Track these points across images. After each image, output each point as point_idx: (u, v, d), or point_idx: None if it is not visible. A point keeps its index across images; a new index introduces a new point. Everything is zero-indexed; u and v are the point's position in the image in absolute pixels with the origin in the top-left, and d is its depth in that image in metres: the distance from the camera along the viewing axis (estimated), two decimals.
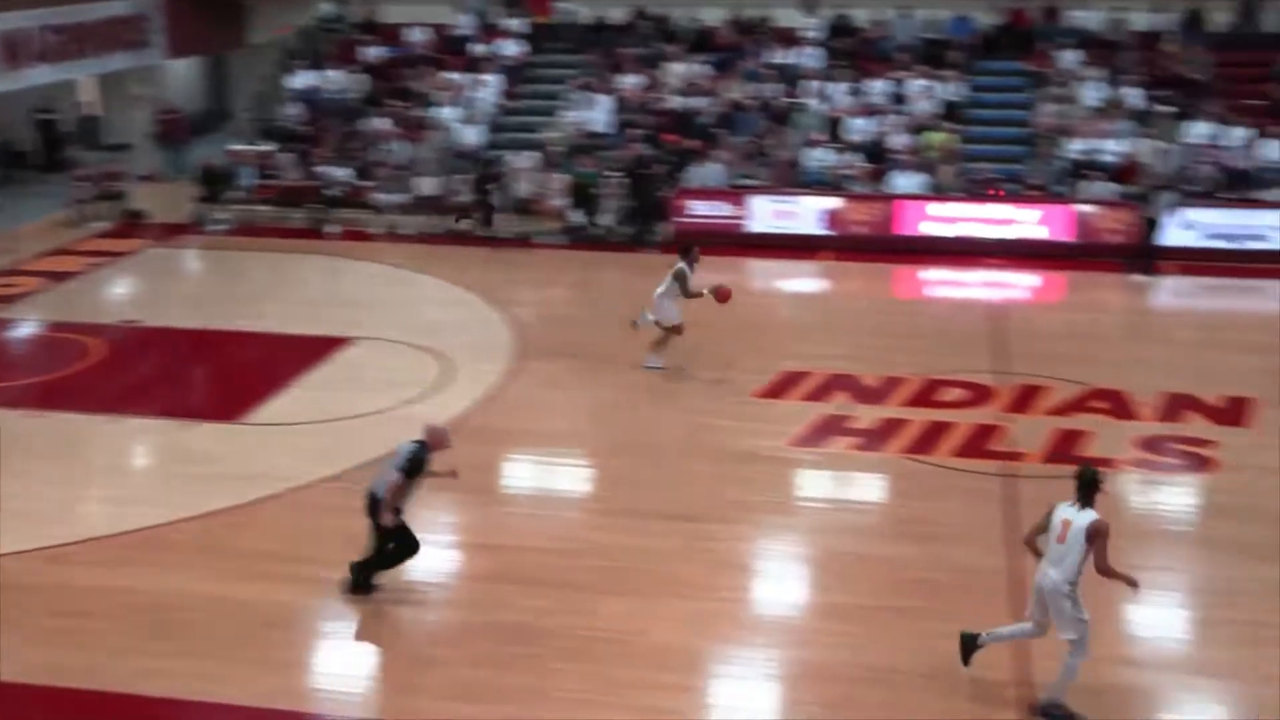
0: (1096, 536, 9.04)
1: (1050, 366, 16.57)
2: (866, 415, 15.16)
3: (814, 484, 13.72)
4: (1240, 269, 21.22)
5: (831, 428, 14.83)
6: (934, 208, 22.85)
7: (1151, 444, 14.34)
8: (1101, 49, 26.04)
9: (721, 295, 16.26)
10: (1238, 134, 23.25)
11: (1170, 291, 21.09)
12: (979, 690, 9.67)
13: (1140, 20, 26.59)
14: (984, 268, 21.79)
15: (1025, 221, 22.57)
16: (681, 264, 16.33)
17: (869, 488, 13.66)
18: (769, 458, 13.92)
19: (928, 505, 12.88)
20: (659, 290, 16.35)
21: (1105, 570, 9.12)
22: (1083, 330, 18.67)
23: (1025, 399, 15.61)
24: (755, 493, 13.10)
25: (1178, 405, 15.41)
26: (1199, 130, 23.41)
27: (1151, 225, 21.34)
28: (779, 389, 16.03)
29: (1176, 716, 9.66)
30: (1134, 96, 24.59)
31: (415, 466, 10.60)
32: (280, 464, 13.74)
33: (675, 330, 16.45)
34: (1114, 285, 20.99)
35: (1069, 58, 25.84)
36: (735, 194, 23.29)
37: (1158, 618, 10.94)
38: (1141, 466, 13.83)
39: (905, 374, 16.41)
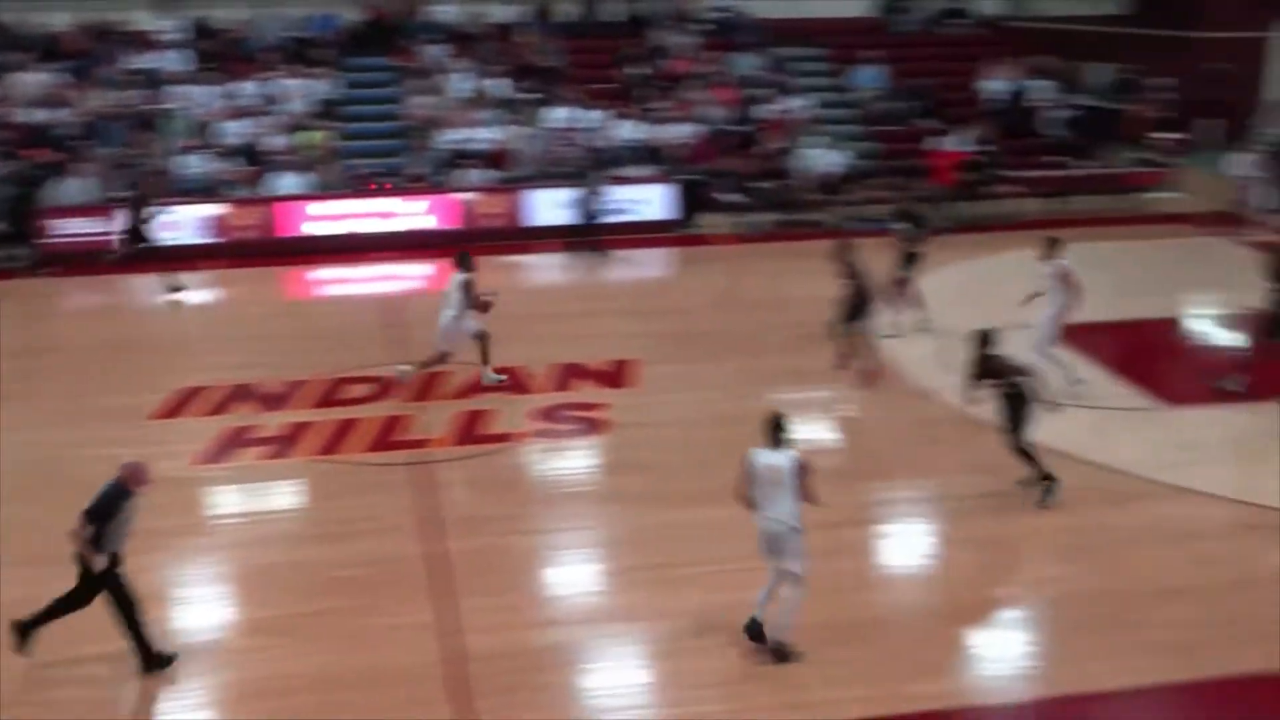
0: (804, 470, 9.68)
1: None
2: (272, 422, 14.84)
3: (226, 499, 13.23)
4: (610, 241, 22.75)
5: (237, 440, 14.38)
6: (316, 207, 22.76)
7: (549, 414, 15.08)
8: (464, 42, 26.99)
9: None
10: (594, 116, 24.94)
11: (551, 268, 22.28)
12: (410, 677, 9.76)
13: (497, 13, 27.82)
14: (375, 262, 21.98)
15: (410, 213, 23.02)
16: (466, 274, 15.50)
17: (284, 494, 13.38)
18: (174, 480, 13.23)
19: (344, 503, 12.83)
20: (450, 314, 15.41)
21: (816, 499, 9.81)
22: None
23: (427, 387, 15.92)
24: (163, 519, 12.39)
25: (569, 374, 16.32)
26: (559, 115, 24.87)
27: (592, 207, 22.37)
28: (176, 408, 15.34)
29: (601, 664, 10.21)
30: (498, 86, 25.69)
31: (108, 509, 9.52)
32: None
33: (483, 336, 15.76)
34: (496, 267, 21.80)
35: (434, 51, 26.56)
36: (106, 209, 21.96)
37: (573, 575, 11.58)
38: (543, 436, 14.51)
39: (307, 376, 16.24)
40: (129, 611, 9.78)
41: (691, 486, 13.06)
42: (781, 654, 9.97)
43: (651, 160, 24.27)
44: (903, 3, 29.55)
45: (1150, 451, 13.83)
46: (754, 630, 10.07)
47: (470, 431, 14.54)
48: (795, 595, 9.96)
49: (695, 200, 23.92)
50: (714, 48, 27.47)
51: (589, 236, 22.34)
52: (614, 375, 16.31)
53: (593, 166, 23.58)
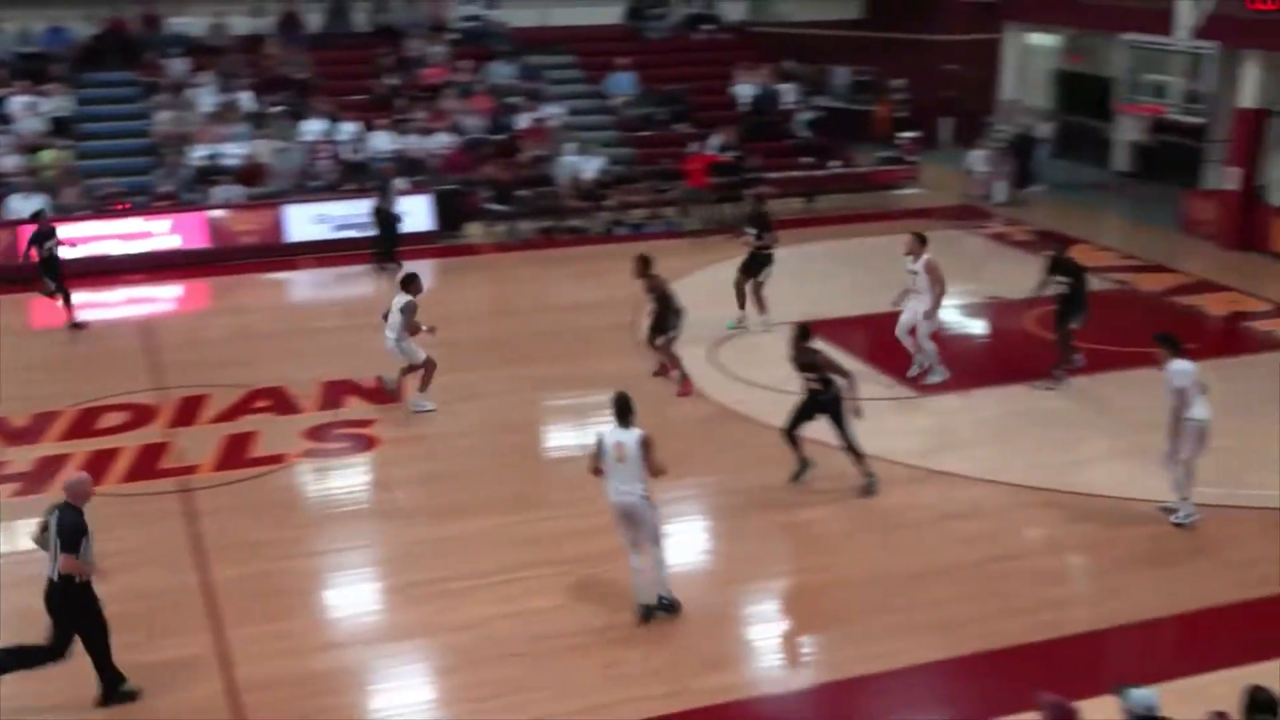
0: (649, 445, 10.33)
1: (208, 374, 16.45)
2: (21, 457, 14.07)
3: None
4: (371, 255, 22.36)
5: None
6: (62, 230, 21.62)
7: (318, 433, 14.74)
8: (208, 54, 26.13)
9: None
10: (348, 129, 24.50)
11: (312, 284, 21.79)
12: (189, 712, 9.41)
13: (241, 25, 27.01)
14: (125, 285, 21.08)
15: (159, 233, 22.14)
16: (408, 297, 14.91)
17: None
18: None
19: (108, 536, 12.08)
20: (392, 336, 14.88)
21: (661, 472, 10.48)
22: (235, 333, 18.71)
23: (188, 411, 15.36)
24: None
25: (336, 391, 15.98)
26: (312, 128, 24.35)
27: (390, 218, 21.83)
28: None
29: (384, 685, 10.03)
30: (246, 99, 24.97)
31: (77, 533, 9.14)
32: None
33: (428, 364, 15.17)
34: (255, 285, 21.27)
35: (178, 65, 25.64)
36: None
37: (351, 596, 11.36)
38: (313, 455, 14.17)
39: (58, 407, 15.45)
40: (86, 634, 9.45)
41: (466, 498, 13.00)
42: (673, 607, 10.65)
43: (409, 171, 23.98)
44: (651, 10, 29.97)
45: (910, 439, 14.40)
46: (647, 614, 10.60)
47: (237, 455, 14.08)
48: (659, 555, 10.62)
49: (456, 210, 23.75)
50: (467, 57, 27.33)
51: (386, 247, 21.94)
52: (378, 391, 16.01)
53: (348, 178, 23.19)
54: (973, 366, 16.99)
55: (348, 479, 13.79)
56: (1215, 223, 23.01)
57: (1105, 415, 15.19)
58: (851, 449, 12.87)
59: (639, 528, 10.53)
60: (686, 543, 12.29)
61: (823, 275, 21.14)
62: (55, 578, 9.25)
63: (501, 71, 27.11)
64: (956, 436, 14.57)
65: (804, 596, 11.37)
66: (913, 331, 16.02)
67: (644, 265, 15.68)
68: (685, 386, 15.69)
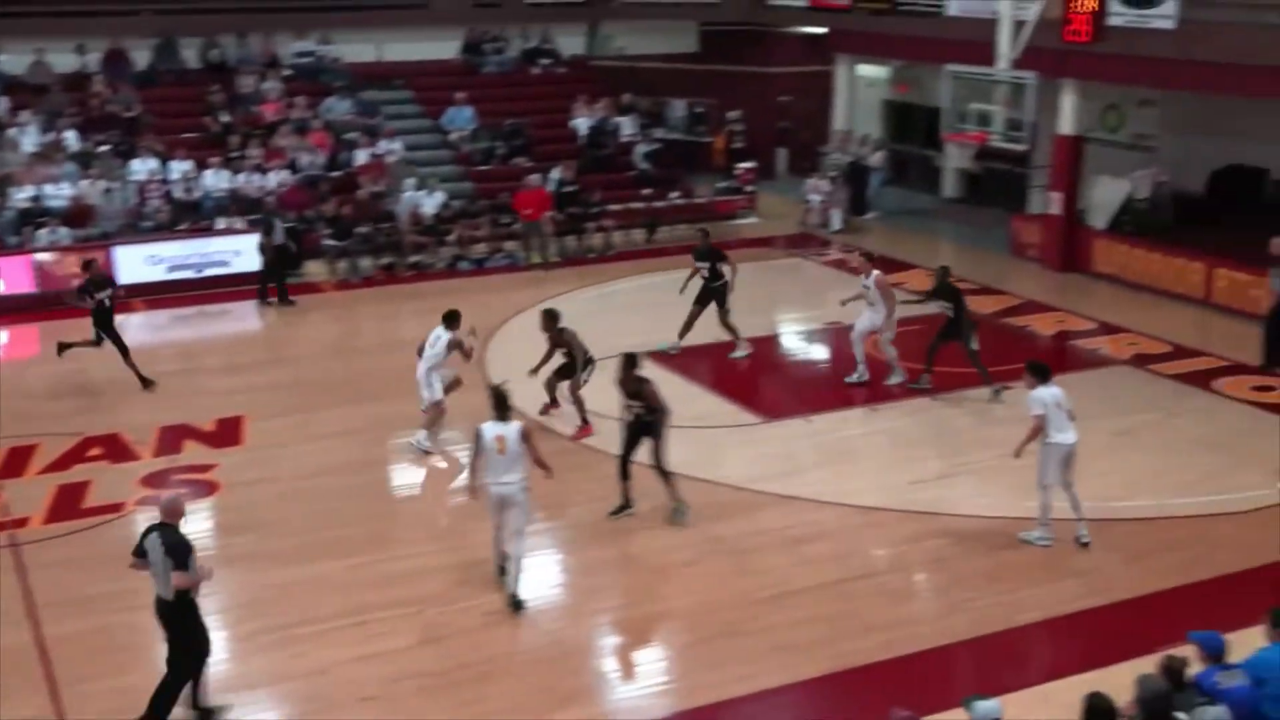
0: (530, 437, 11.22)
1: (37, 423, 15.86)
2: None
3: None
4: (207, 295, 21.89)
5: None
6: None
7: (155, 480, 14.30)
8: (30, 93, 25.29)
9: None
10: (179, 167, 23.93)
11: (146, 327, 21.14)
12: None
13: (64, 61, 26.20)
14: None
15: None
16: (450, 334, 14.93)
17: None
18: None
19: None
20: (424, 369, 14.88)
21: (542, 461, 11.41)
22: (65, 380, 18.02)
23: (17, 461, 14.79)
24: None
25: (175, 436, 15.54)
26: (142, 167, 23.72)
27: (279, 253, 21.42)
28: None
29: None
30: (72, 138, 24.23)
31: (186, 550, 9.36)
32: None
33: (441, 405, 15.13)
34: (85, 330, 20.53)
35: None
36: None
37: None
38: (151, 504, 13.72)
39: None
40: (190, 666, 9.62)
41: (311, 540, 12.77)
42: (519, 607, 11.25)
43: (244, 210, 23.53)
44: (487, 44, 29.94)
45: (754, 465, 14.57)
46: (517, 604, 11.25)
47: (71, 505, 13.58)
48: (522, 546, 11.31)
49: (294, 248, 23.33)
50: (302, 93, 26.96)
51: (274, 283, 21.60)
52: (221, 434, 15.66)
53: (180, 218, 22.64)
54: (814, 391, 17.31)
55: (190, 526, 13.32)
56: (1040, 246, 23.86)
57: (943, 435, 15.59)
58: (664, 473, 13.04)
59: (514, 518, 11.26)
60: (539, 577, 12.22)
61: (664, 306, 21.28)
62: (170, 596, 9.39)
63: (338, 107, 26.79)
64: (800, 461, 14.79)
65: (658, 625, 11.40)
66: (868, 339, 16.96)
67: (550, 320, 15.53)
68: (585, 430, 15.53)
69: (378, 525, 13.21)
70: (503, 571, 11.55)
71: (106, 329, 17.45)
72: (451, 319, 15.13)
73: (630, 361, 13.07)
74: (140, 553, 9.54)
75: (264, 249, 21.64)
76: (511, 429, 11.14)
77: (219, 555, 12.72)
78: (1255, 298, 19.87)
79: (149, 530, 9.55)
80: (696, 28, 31.72)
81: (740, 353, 18.40)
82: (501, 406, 11.28)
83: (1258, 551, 12.40)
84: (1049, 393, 12.23)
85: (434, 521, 13.32)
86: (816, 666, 10.44)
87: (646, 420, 12.91)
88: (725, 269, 18.28)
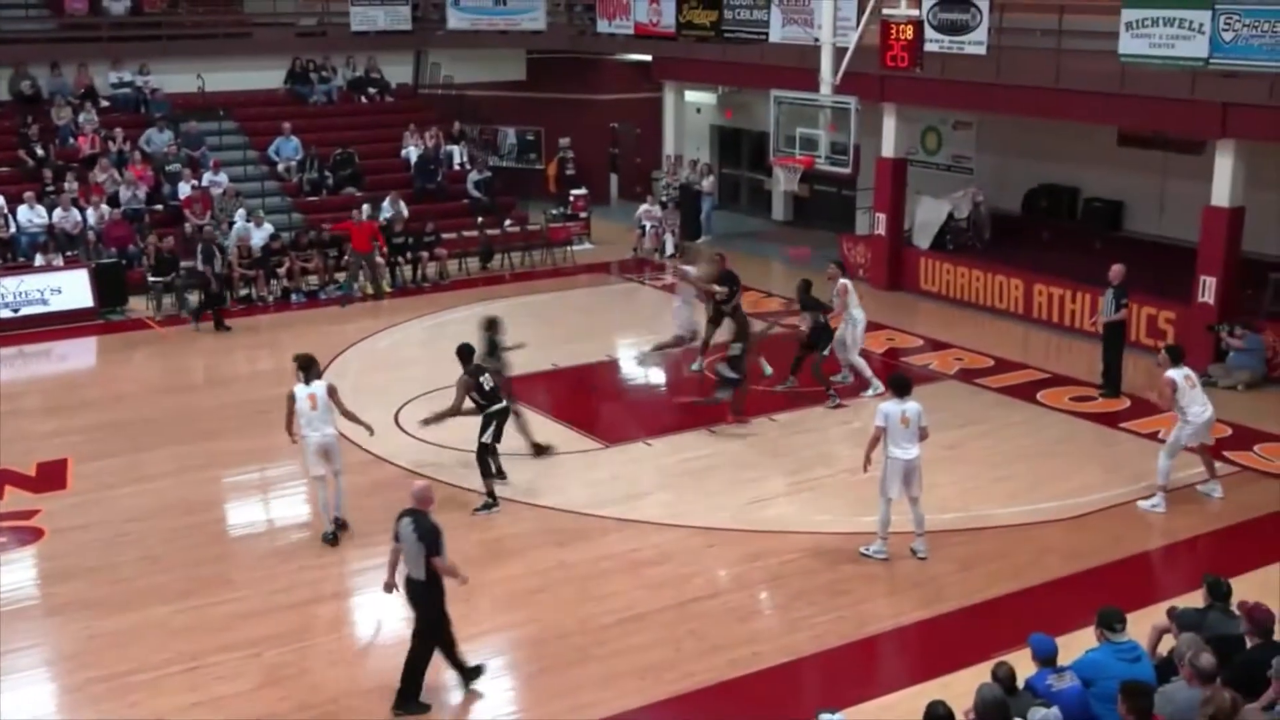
0: (334, 392, 13.20)
1: None
2: None
3: None
4: (26, 335, 21.08)
5: None
6: None
7: None
8: None
9: None
10: None
11: None
12: None
13: None
14: None
15: None
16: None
17: None
18: None
19: None
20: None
21: (348, 413, 13.47)
22: None
23: None
24: None
25: None
26: None
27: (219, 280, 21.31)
28: None
29: None
30: None
31: (439, 535, 10.02)
32: None
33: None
34: None
35: None
36: None
37: (23, 700, 10.51)
38: None
39: None
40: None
41: (141, 585, 12.39)
42: (341, 527, 13.24)
43: (61, 246, 22.76)
44: (314, 73, 29.51)
45: (595, 490, 14.60)
46: (333, 536, 13.14)
47: None
48: (341, 482, 13.29)
49: (115, 285, 22.64)
50: (120, 125, 26.21)
51: (211, 310, 21.48)
52: (43, 478, 15.07)
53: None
54: (653, 415, 17.44)
55: (13, 575, 12.82)
56: (868, 265, 24.46)
57: (782, 454, 15.83)
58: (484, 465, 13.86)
59: (333, 461, 13.13)
60: (384, 612, 12.05)
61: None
62: (422, 577, 10.00)
63: (158, 139, 26.12)
64: (642, 484, 14.86)
65: (506, 654, 11.30)
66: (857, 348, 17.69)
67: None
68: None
69: (211, 567, 12.85)
70: (334, 540, 13.19)
71: None
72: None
73: (464, 350, 14.11)
74: (396, 536, 10.18)
75: (203, 276, 21.48)
76: (320, 387, 13.03)
77: (44, 605, 12.28)
78: (1072, 311, 20.69)
79: (403, 515, 10.15)
80: (524, 56, 31.78)
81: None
82: (307, 367, 13.12)
83: (1085, 556, 12.87)
84: (895, 407, 12.48)
85: (268, 562, 13.01)
86: (666, 689, 10.48)
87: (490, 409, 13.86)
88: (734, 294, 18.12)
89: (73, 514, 14.09)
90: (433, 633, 10.21)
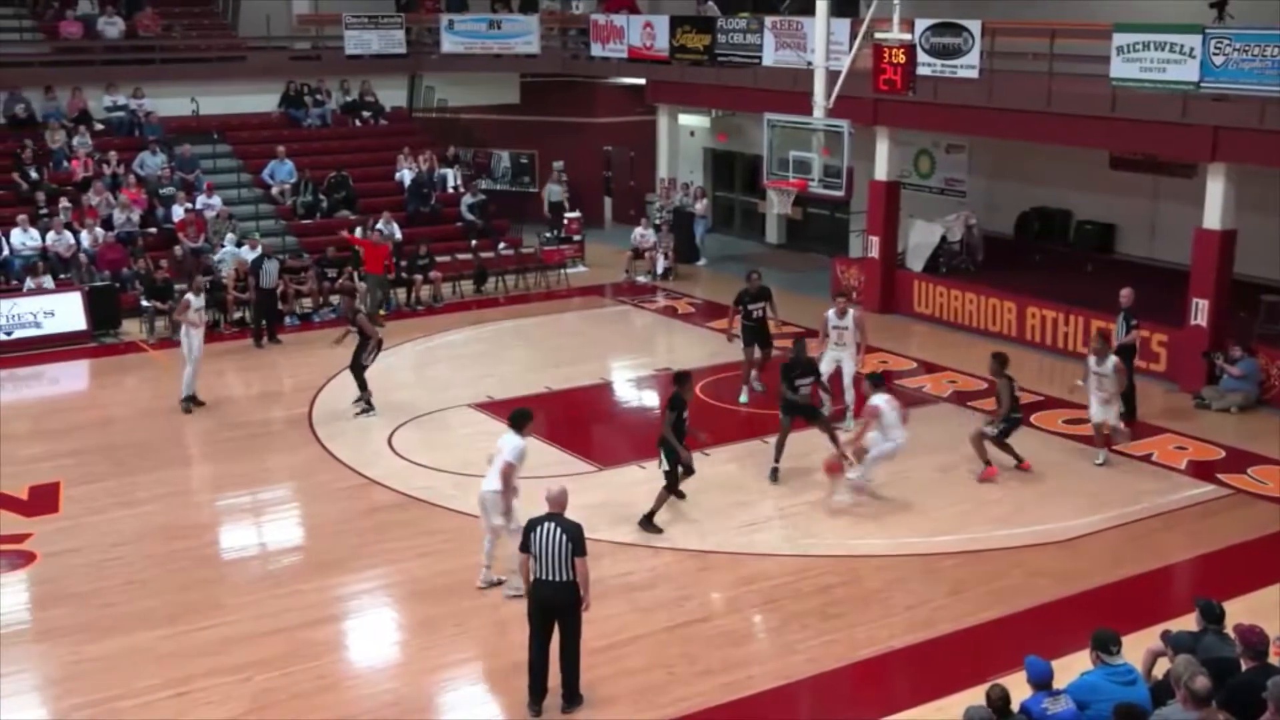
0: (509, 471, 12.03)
1: None
2: None
3: None
4: (19, 359, 21.03)
5: None
6: None
7: None
8: None
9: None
10: None
11: None
12: None
13: None
14: None
15: None
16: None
17: None
18: None
19: None
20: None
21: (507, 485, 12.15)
22: None
23: None
24: None
25: None
26: None
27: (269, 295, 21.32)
28: None
29: None
30: None
31: (581, 532, 10.30)
32: None
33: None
34: None
35: None
36: None
37: None
38: None
39: None
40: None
41: (130, 609, 12.32)
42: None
43: (55, 269, 22.73)
44: (308, 96, 29.54)
45: (591, 513, 14.47)
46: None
47: None
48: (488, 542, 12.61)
49: (109, 308, 22.60)
50: (114, 148, 26.22)
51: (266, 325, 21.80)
52: (35, 502, 15.00)
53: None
54: (647, 438, 17.37)
55: (4, 600, 12.77)
56: (861, 288, 24.47)
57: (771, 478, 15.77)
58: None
59: (487, 515, 12.34)
60: (375, 635, 12.00)
61: (496, 356, 21.24)
62: (570, 578, 10.14)
63: (152, 162, 26.13)
64: (635, 507, 14.76)
65: (496, 680, 11.24)
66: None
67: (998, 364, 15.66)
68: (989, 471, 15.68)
69: (200, 591, 12.78)
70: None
71: None
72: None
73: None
74: (526, 547, 10.26)
75: (257, 292, 21.79)
76: (510, 442, 12.10)
77: (34, 629, 12.20)
78: (1065, 334, 20.70)
79: (539, 522, 10.22)
80: (518, 79, 31.85)
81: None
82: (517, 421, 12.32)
83: (1077, 579, 12.84)
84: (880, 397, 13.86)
85: (258, 585, 12.95)
86: (659, 712, 10.42)
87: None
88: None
89: (63, 538, 14.01)
90: (579, 629, 10.39)
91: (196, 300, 18.38)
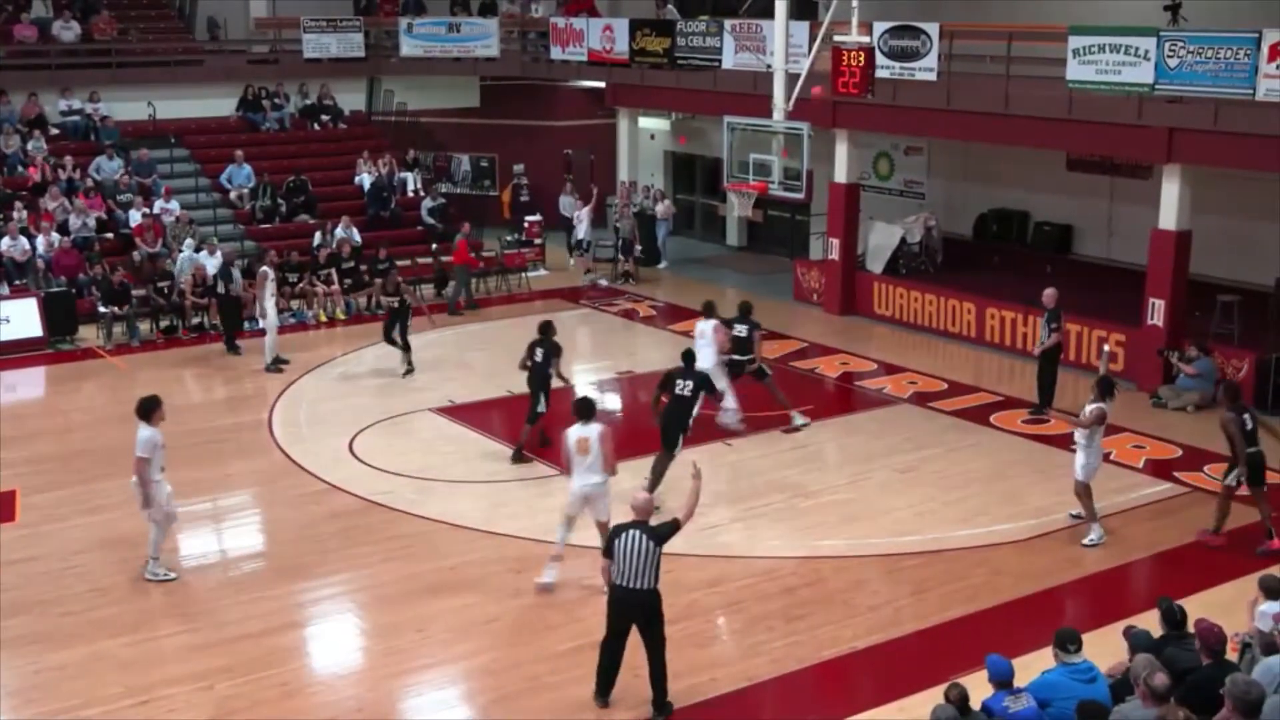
0: (606, 439, 12.33)
1: None
2: None
3: None
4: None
5: None
6: None
7: None
8: None
9: None
10: None
11: None
12: None
13: None
14: None
15: None
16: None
17: None
18: None
19: None
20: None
21: (613, 465, 12.49)
22: None
23: None
24: None
25: None
26: None
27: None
28: None
29: None
30: None
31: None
32: None
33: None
34: None
35: None
36: None
37: None
38: None
39: None
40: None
41: (90, 618, 12.22)
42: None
43: (10, 275, 22.50)
44: (266, 100, 29.36)
45: (553, 516, 14.46)
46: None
47: None
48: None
49: (66, 314, 22.38)
50: (70, 153, 25.98)
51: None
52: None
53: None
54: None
55: None
56: (822, 290, 24.57)
57: (736, 480, 15.82)
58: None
59: (594, 509, 12.64)
60: (338, 641, 11.95)
61: (458, 361, 21.19)
62: (654, 585, 10.32)
63: (108, 167, 25.92)
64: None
65: (461, 684, 11.22)
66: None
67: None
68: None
69: (161, 599, 12.70)
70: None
71: None
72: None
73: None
74: (609, 552, 10.40)
75: (223, 299, 21.81)
76: (593, 429, 12.36)
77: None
78: (1024, 334, 20.85)
79: (622, 530, 10.35)
80: (478, 83, 31.78)
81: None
82: (587, 411, 12.56)
83: (1039, 577, 12.94)
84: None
85: (221, 592, 12.86)
86: (622, 715, 10.42)
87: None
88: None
89: (22, 546, 13.88)
90: (662, 638, 10.45)
91: (272, 273, 20.62)
